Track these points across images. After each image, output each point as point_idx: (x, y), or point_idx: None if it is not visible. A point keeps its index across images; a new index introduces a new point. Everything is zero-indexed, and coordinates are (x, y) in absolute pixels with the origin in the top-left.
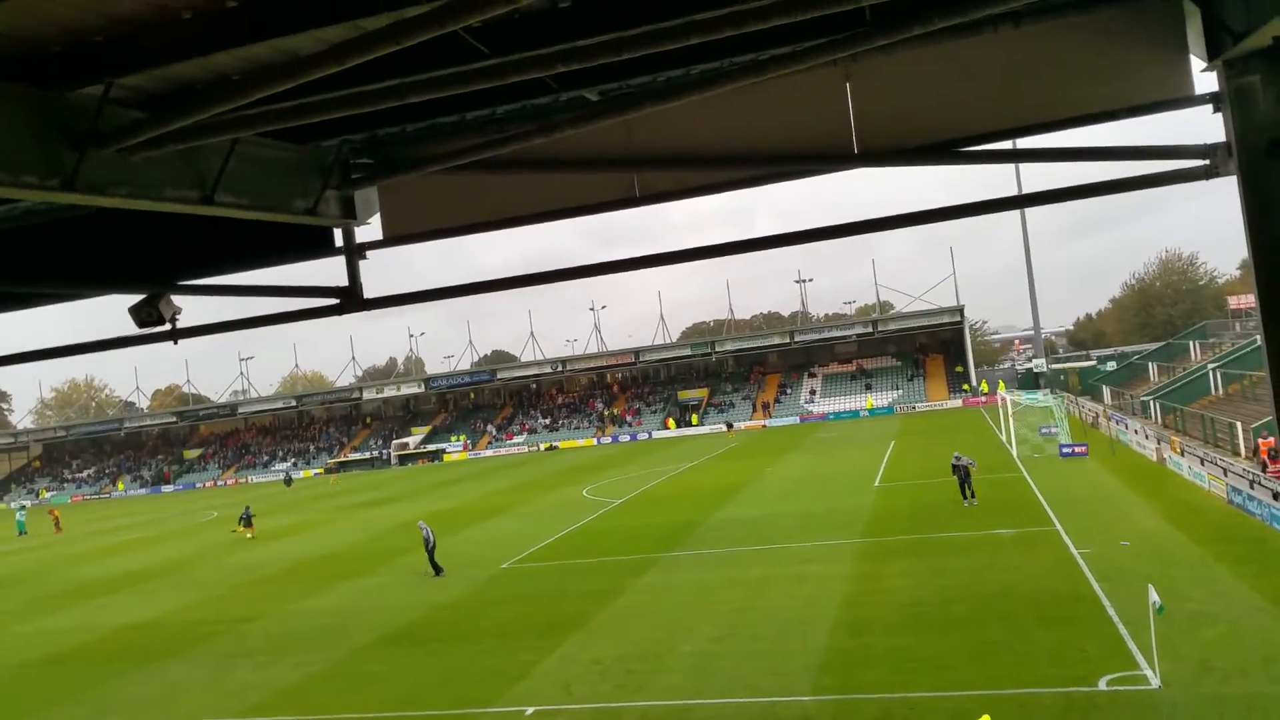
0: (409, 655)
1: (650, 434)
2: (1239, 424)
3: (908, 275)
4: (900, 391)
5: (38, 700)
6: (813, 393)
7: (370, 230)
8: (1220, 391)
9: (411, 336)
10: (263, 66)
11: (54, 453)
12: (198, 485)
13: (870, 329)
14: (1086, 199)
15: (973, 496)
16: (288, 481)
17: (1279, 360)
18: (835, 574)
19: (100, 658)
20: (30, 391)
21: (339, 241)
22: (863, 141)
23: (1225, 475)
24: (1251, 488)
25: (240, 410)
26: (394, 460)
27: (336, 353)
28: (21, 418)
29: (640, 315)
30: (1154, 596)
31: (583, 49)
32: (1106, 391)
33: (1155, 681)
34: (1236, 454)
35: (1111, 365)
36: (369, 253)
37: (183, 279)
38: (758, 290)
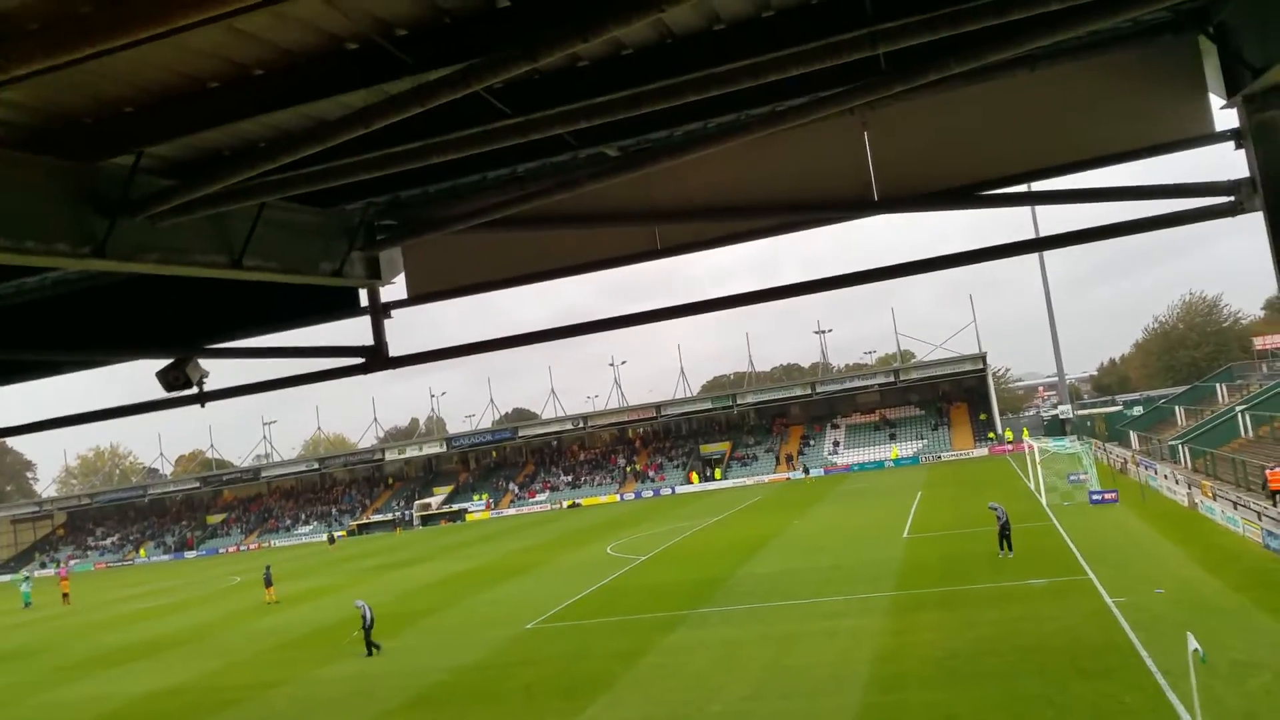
0: None
1: (674, 489)
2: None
3: (929, 324)
4: (925, 441)
5: None
6: (836, 444)
7: (395, 290)
8: (1250, 434)
9: (433, 396)
10: (288, 133)
11: (78, 520)
12: (220, 550)
13: (892, 378)
14: (1111, 239)
15: (1009, 548)
16: (331, 540)
17: None
18: (866, 628)
19: None
20: (55, 459)
21: (364, 302)
22: (882, 188)
23: (1260, 519)
24: None
25: (263, 474)
26: (417, 521)
27: (358, 415)
28: (46, 486)
29: (661, 370)
30: (1194, 644)
31: (602, 105)
32: (1134, 437)
33: None
34: (1272, 499)
35: (1138, 410)
36: (394, 312)
37: (210, 343)
38: (778, 342)
